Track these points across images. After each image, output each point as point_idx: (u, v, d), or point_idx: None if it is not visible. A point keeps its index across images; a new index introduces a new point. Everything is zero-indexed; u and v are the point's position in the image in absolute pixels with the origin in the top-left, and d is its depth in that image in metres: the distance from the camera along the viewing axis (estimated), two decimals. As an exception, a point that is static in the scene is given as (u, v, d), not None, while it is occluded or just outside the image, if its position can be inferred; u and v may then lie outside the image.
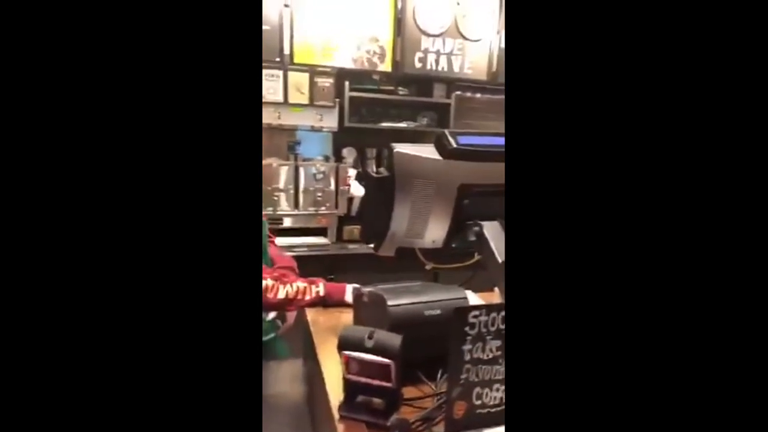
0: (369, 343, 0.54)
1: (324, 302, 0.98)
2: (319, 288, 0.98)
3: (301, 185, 2.28)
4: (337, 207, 2.32)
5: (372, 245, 0.88)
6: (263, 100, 2.17)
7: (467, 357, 0.51)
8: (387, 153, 0.81)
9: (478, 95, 2.60)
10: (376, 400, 0.59)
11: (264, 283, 0.95)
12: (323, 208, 2.29)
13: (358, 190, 2.42)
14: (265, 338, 1.08)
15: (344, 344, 0.55)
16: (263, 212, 1.23)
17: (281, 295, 0.95)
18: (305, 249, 2.23)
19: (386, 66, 2.41)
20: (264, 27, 2.19)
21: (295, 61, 2.24)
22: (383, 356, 0.54)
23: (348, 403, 0.59)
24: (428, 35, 2.44)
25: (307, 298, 0.97)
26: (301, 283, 0.98)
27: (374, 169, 2.58)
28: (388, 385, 0.56)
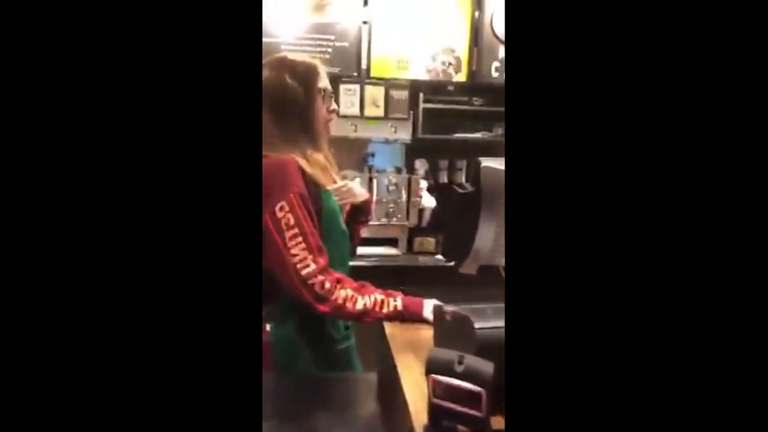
0: (459, 368, 0.52)
1: (401, 317, 0.96)
2: (397, 302, 0.97)
3: (374, 196, 2.31)
4: (408, 218, 2.31)
5: (453, 262, 0.86)
6: (341, 113, 2.24)
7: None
8: (473, 168, 0.79)
9: (559, 104, 2.47)
10: (462, 428, 0.56)
11: (344, 293, 0.95)
12: (395, 219, 2.30)
13: (429, 201, 2.40)
14: (341, 346, 1.09)
15: (432, 367, 0.54)
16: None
17: (359, 306, 0.95)
18: (376, 259, 2.24)
19: (462, 76, 2.38)
20: (342, 44, 2.27)
21: (372, 75, 2.30)
22: (473, 383, 0.51)
23: (433, 429, 0.56)
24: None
25: (384, 311, 0.96)
26: (379, 295, 0.97)
27: (446, 180, 2.55)
28: (478, 414, 0.53)
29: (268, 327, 1.06)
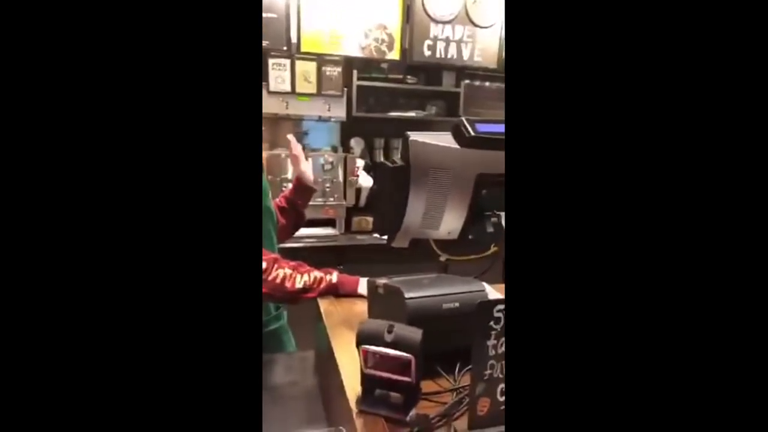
0: (389, 338, 0.53)
1: (336, 291, 0.97)
2: (332, 276, 0.98)
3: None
4: (345, 198, 2.30)
5: (385, 237, 0.87)
6: (270, 89, 2.15)
7: (492, 352, 0.49)
8: (401, 142, 0.79)
9: (488, 83, 2.56)
10: (395, 395, 0.58)
11: (282, 272, 0.94)
12: (332, 199, 2.28)
13: (366, 180, 2.40)
14: (271, 327, 1.08)
15: (363, 338, 0.54)
16: (273, 201, 1.21)
17: (299, 284, 0.94)
18: (314, 240, 2.22)
19: (395, 54, 2.38)
20: (270, 15, 2.16)
21: (303, 49, 2.21)
22: (403, 351, 0.53)
23: (366, 398, 0.57)
24: (438, 22, 2.40)
25: (322, 286, 0.96)
26: (317, 273, 0.97)
27: (382, 159, 2.56)
28: (408, 380, 0.55)
29: None
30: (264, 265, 0.93)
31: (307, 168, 1.26)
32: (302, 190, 1.27)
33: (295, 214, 1.26)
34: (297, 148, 1.24)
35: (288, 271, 0.95)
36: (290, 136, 1.25)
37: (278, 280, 0.93)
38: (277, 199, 1.27)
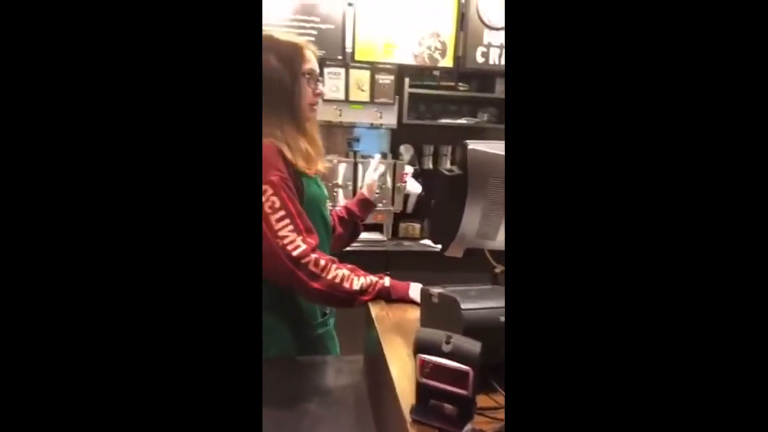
0: (446, 348, 0.52)
1: (388, 295, 0.97)
2: (385, 280, 0.99)
3: (360, 181, 2.30)
4: (393, 204, 2.31)
5: (439, 245, 0.86)
6: (325, 97, 2.21)
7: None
8: (459, 150, 0.78)
9: (543, 90, 2.48)
10: (449, 407, 0.57)
11: (341, 272, 0.95)
12: (380, 204, 2.30)
13: (414, 187, 2.40)
14: (319, 331, 1.09)
15: (420, 347, 0.54)
16: (332, 210, 1.25)
17: (356, 286, 0.95)
18: (361, 244, 2.24)
19: (448, 61, 2.37)
20: (328, 26, 2.22)
21: (357, 58, 2.26)
22: (461, 362, 0.52)
23: (420, 408, 0.57)
24: (492, 28, 2.37)
25: (376, 290, 0.97)
26: (372, 277, 0.98)
27: (431, 166, 2.55)
28: (464, 392, 0.54)
29: None
30: (323, 262, 0.93)
31: (372, 185, 1.31)
32: (365, 203, 1.30)
33: (353, 225, 1.29)
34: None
35: (346, 272, 0.95)
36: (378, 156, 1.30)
37: (337, 280, 0.94)
38: (338, 209, 1.29)
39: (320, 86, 1.05)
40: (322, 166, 1.06)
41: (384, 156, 2.40)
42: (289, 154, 0.97)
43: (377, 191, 2.17)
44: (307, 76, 1.01)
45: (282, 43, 1.01)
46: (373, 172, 1.33)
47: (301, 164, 0.99)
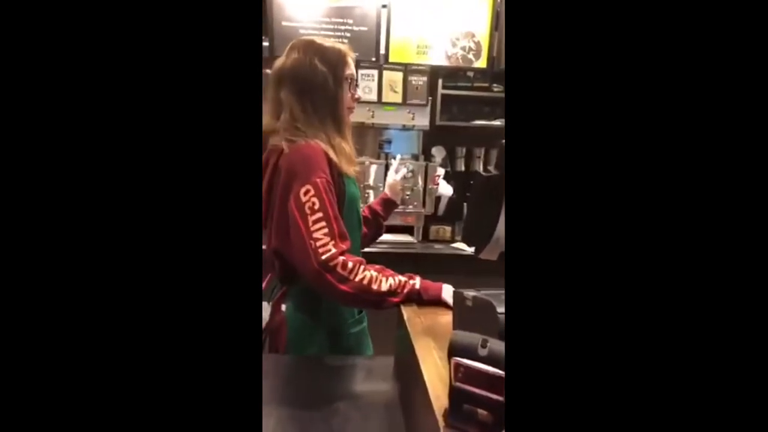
0: (482, 352, 0.51)
1: (419, 297, 0.96)
2: (416, 281, 0.97)
3: (391, 183, 2.30)
4: (424, 206, 2.30)
5: (473, 248, 0.84)
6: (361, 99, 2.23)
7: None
8: (498, 150, 0.76)
9: (582, 91, 2.40)
10: (483, 412, 0.55)
11: (369, 273, 0.94)
12: (411, 206, 2.29)
13: (446, 189, 2.38)
14: (355, 329, 1.09)
15: (455, 350, 0.53)
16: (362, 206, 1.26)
17: (384, 287, 0.94)
18: (392, 246, 2.24)
19: (482, 62, 2.34)
20: (362, 28, 2.24)
21: (390, 59, 2.27)
22: (497, 367, 0.50)
23: (454, 412, 0.56)
24: (528, 28, 2.31)
25: (406, 291, 0.96)
26: (401, 277, 0.97)
27: (463, 168, 2.52)
28: (499, 398, 0.52)
29: (283, 308, 1.06)
30: (351, 264, 0.93)
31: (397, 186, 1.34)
32: (388, 203, 1.31)
33: (376, 224, 1.30)
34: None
35: (374, 274, 0.95)
36: (399, 157, 1.35)
37: (366, 281, 0.93)
38: (363, 209, 1.30)
39: (358, 91, 1.08)
40: (354, 168, 1.07)
41: (415, 158, 2.39)
42: (333, 157, 0.99)
43: (407, 193, 2.18)
44: (348, 81, 1.04)
45: (327, 49, 1.04)
46: (394, 173, 1.34)
47: (344, 166, 1.01)
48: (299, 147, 0.98)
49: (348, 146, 1.05)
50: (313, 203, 0.93)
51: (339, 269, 0.93)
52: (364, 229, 1.24)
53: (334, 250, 0.93)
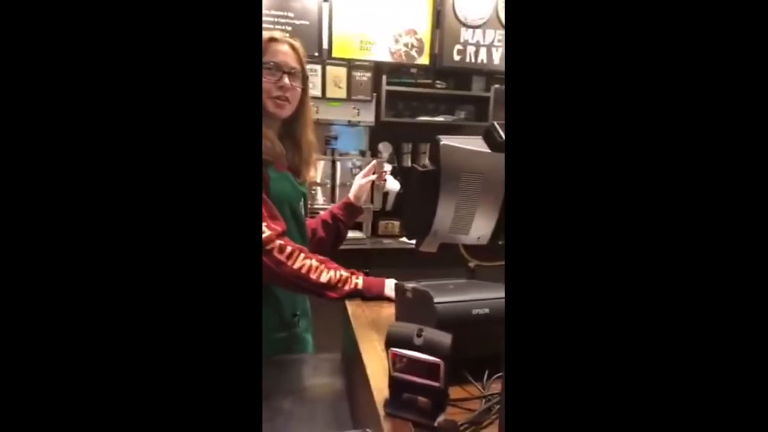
0: (418, 341, 0.52)
1: (362, 295, 0.97)
2: (359, 280, 0.98)
3: (338, 179, 2.29)
4: (372, 202, 2.31)
5: (414, 241, 0.87)
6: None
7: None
8: (432, 146, 0.79)
9: (519, 88, 2.52)
10: (422, 399, 0.57)
11: (309, 262, 0.93)
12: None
13: (393, 184, 2.41)
14: (282, 334, 1.06)
15: (392, 341, 0.54)
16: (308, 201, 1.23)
17: (323, 279, 0.94)
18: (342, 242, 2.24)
19: (424, 59, 2.38)
20: (303, 22, 2.20)
21: (334, 55, 2.25)
22: (432, 355, 0.52)
23: (394, 401, 0.57)
24: (468, 26, 2.39)
25: (347, 288, 0.96)
26: (343, 272, 0.97)
27: (410, 164, 2.56)
28: (436, 384, 0.54)
29: None
30: (289, 249, 0.92)
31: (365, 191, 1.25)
32: (352, 209, 1.26)
33: (336, 230, 1.25)
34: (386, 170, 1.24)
35: (315, 263, 0.94)
36: (376, 161, 1.27)
37: (304, 270, 0.92)
38: (323, 213, 1.27)
39: (285, 79, 1.00)
40: (310, 173, 1.04)
41: (362, 153, 2.39)
42: None
43: (349, 183, 2.18)
44: (269, 67, 0.98)
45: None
46: (361, 178, 1.25)
47: (265, 157, 0.97)
48: None
49: (270, 136, 1.00)
50: None
51: (276, 253, 0.91)
52: (322, 234, 1.22)
53: (268, 232, 0.91)
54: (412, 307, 0.73)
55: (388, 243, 2.32)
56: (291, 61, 1.02)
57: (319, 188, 2.28)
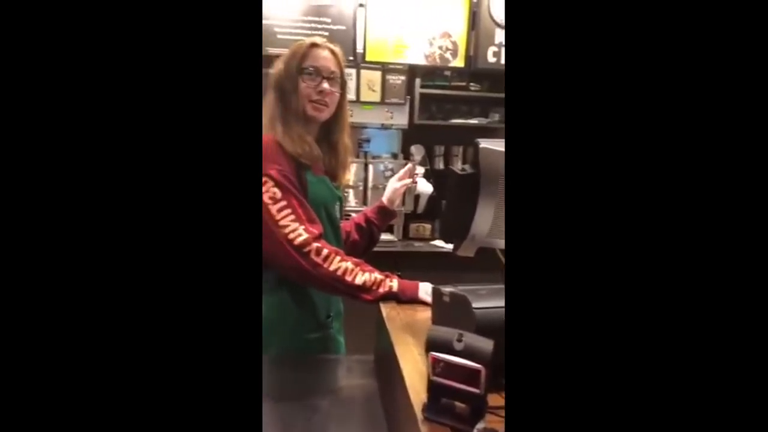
0: (458, 346, 0.52)
1: (396, 298, 0.97)
2: (393, 284, 0.98)
3: (370, 182, 2.31)
4: (404, 204, 2.32)
5: (450, 244, 0.86)
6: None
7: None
8: (472, 149, 0.78)
9: (556, 90, 2.46)
10: (460, 405, 0.57)
11: (345, 265, 0.94)
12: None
13: (425, 187, 2.40)
14: (317, 335, 1.07)
15: (432, 345, 0.54)
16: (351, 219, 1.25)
17: (359, 281, 0.94)
18: (372, 245, 2.25)
19: (459, 62, 2.37)
20: (339, 27, 2.24)
21: (368, 59, 2.27)
22: (473, 361, 0.52)
23: (432, 406, 0.57)
24: (503, 28, 2.36)
25: (381, 290, 0.96)
26: (378, 274, 0.97)
27: (442, 167, 2.55)
28: (476, 391, 0.54)
29: None
30: (326, 252, 0.93)
31: (400, 195, 1.25)
32: (386, 213, 1.26)
33: (370, 234, 1.25)
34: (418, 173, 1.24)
35: (350, 266, 0.95)
36: (410, 165, 1.25)
37: (340, 272, 0.94)
38: (357, 216, 1.28)
39: (324, 84, 1.01)
40: (318, 163, 1.04)
41: (395, 156, 2.40)
42: (290, 148, 0.98)
43: (381, 186, 2.19)
44: (309, 72, 1.00)
45: (293, 44, 1.04)
46: (396, 182, 1.23)
47: (306, 160, 1.00)
48: None
49: (308, 140, 1.01)
50: (274, 193, 0.93)
51: (313, 255, 0.92)
52: (356, 237, 1.23)
53: (306, 235, 0.93)
54: (449, 311, 0.72)
55: (419, 246, 2.32)
56: (331, 65, 1.04)
57: (351, 190, 2.30)
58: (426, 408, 0.57)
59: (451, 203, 0.83)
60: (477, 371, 0.52)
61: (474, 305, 0.64)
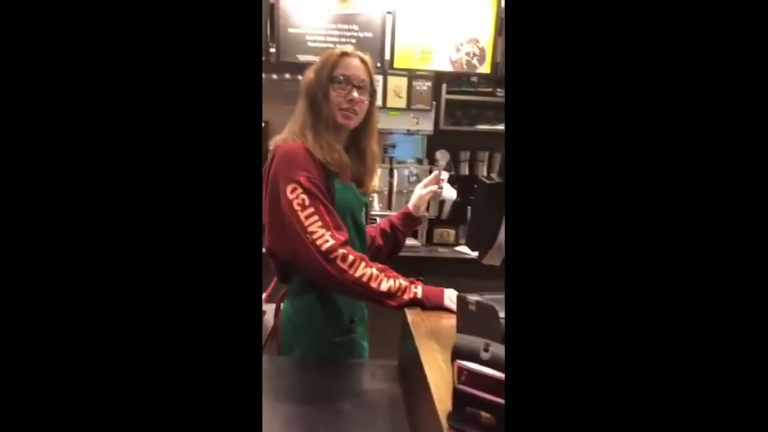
0: (485, 356, 0.52)
1: (421, 305, 0.97)
2: (418, 290, 0.98)
3: (395, 187, 2.32)
4: (428, 210, 2.31)
5: (476, 252, 0.86)
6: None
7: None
8: (502, 157, 0.78)
9: (585, 96, 2.41)
10: (485, 415, 0.57)
11: (370, 271, 0.95)
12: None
13: (450, 192, 2.39)
14: (341, 339, 1.08)
15: (458, 353, 0.54)
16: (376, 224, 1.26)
17: (384, 287, 0.95)
18: (396, 250, 2.25)
19: (486, 68, 2.35)
20: (367, 34, 2.27)
21: (395, 66, 2.29)
22: (500, 371, 0.52)
23: (457, 415, 0.57)
24: (532, 34, 2.33)
25: (406, 297, 0.97)
26: (403, 281, 0.98)
27: (467, 172, 2.54)
28: (501, 401, 0.53)
29: (282, 308, 1.08)
30: (351, 258, 0.94)
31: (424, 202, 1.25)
32: (411, 219, 1.27)
33: (394, 240, 1.26)
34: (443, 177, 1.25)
35: (375, 272, 0.96)
36: (436, 172, 1.26)
37: (365, 278, 0.95)
38: (382, 221, 1.29)
39: (354, 93, 1.02)
40: (346, 170, 1.05)
41: (419, 162, 2.40)
42: (320, 156, 1.00)
43: (406, 191, 2.19)
44: (339, 81, 1.02)
45: (324, 53, 1.07)
46: (422, 188, 1.24)
47: (335, 167, 1.01)
48: (282, 147, 1.00)
49: (338, 148, 1.03)
50: (303, 199, 0.95)
51: (339, 261, 0.94)
52: (380, 242, 1.24)
53: (332, 242, 0.94)
54: (475, 320, 0.72)
55: (443, 252, 2.31)
56: (361, 74, 1.05)
57: (376, 195, 2.32)
58: (451, 417, 0.57)
59: (478, 212, 0.83)
60: (503, 381, 0.52)
61: (501, 315, 0.64)
